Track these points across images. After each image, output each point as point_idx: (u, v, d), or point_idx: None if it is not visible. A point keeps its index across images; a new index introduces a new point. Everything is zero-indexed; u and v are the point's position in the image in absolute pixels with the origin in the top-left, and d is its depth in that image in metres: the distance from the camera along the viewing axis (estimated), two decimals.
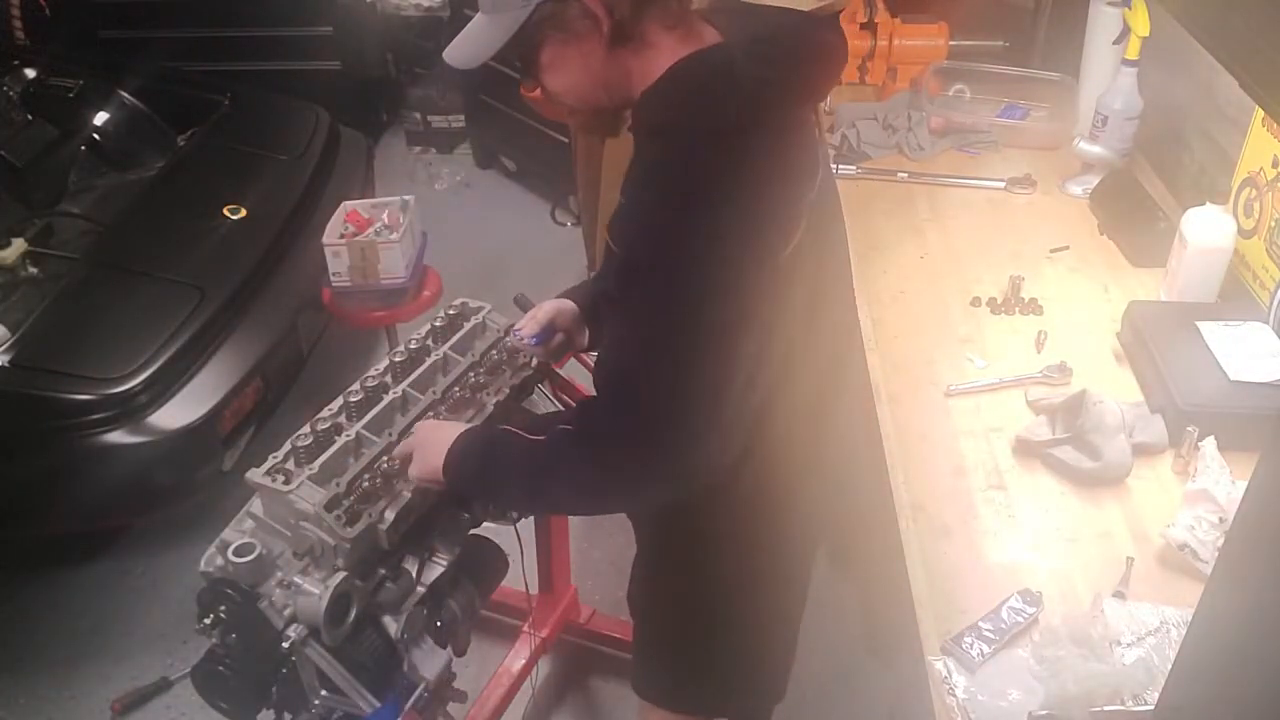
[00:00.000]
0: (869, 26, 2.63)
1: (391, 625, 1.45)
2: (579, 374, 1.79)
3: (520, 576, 1.91)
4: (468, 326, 1.64)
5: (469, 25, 1.26)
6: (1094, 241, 2.09)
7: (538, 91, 1.31)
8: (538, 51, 1.22)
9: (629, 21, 1.18)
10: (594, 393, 1.31)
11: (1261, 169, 1.82)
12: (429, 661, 1.51)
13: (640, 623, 1.66)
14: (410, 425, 1.46)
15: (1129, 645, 1.28)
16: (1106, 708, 1.19)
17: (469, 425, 1.41)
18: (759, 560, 1.48)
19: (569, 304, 1.55)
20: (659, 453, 1.19)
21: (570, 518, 2.22)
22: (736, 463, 1.30)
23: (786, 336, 1.28)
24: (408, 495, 1.40)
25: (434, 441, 1.35)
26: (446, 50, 1.29)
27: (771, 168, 1.21)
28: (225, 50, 3.99)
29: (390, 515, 1.38)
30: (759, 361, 1.23)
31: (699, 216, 1.14)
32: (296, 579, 1.34)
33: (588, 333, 1.57)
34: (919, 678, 1.30)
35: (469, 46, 1.26)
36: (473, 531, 1.60)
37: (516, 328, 1.53)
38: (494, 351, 1.62)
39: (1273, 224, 1.79)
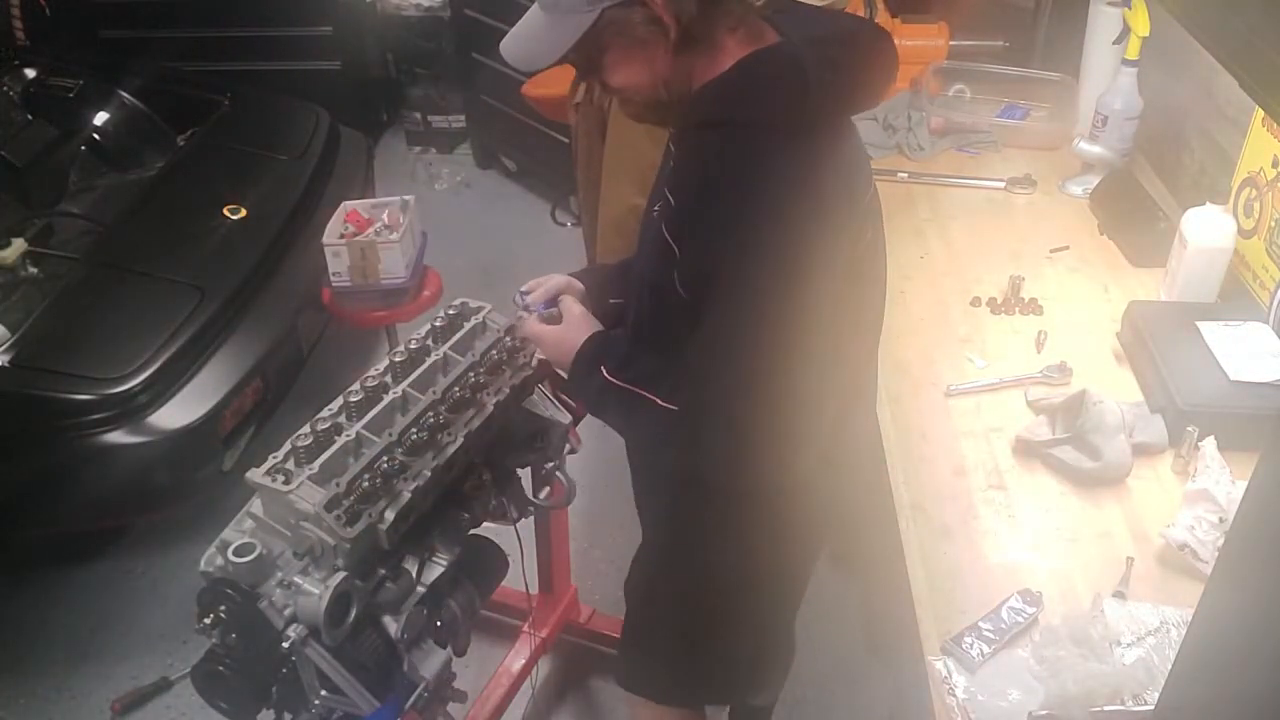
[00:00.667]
0: None
1: (391, 625, 1.45)
2: None
3: (520, 576, 1.91)
4: (468, 326, 1.64)
5: (527, 21, 1.23)
6: (1094, 241, 2.09)
7: (592, 88, 1.32)
8: (602, 55, 1.22)
9: (696, 25, 1.18)
10: None
11: (1261, 169, 1.82)
12: (429, 661, 1.51)
13: (636, 615, 1.67)
14: (410, 425, 1.46)
15: (1129, 645, 1.28)
16: (1106, 708, 1.19)
17: (588, 339, 1.41)
18: (765, 560, 1.49)
19: (577, 283, 1.55)
20: (727, 448, 1.23)
21: (570, 518, 2.22)
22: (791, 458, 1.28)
23: (860, 339, 1.32)
24: (408, 495, 1.40)
25: (560, 353, 1.43)
26: (505, 46, 1.26)
27: (837, 167, 1.23)
28: (225, 50, 3.99)
29: (390, 515, 1.38)
30: (835, 362, 1.26)
31: (773, 214, 1.16)
32: (296, 579, 1.34)
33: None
34: (919, 678, 1.30)
35: (532, 45, 1.23)
36: (473, 531, 1.60)
37: (524, 289, 1.54)
38: (494, 351, 1.61)
39: (1273, 224, 1.79)
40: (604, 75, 1.25)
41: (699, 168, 1.24)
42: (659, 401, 1.28)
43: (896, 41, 2.59)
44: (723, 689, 1.75)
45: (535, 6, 1.21)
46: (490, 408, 1.54)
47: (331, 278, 2.45)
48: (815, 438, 1.28)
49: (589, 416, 1.76)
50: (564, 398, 1.74)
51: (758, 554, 1.48)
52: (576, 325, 1.43)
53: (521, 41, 1.24)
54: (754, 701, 1.90)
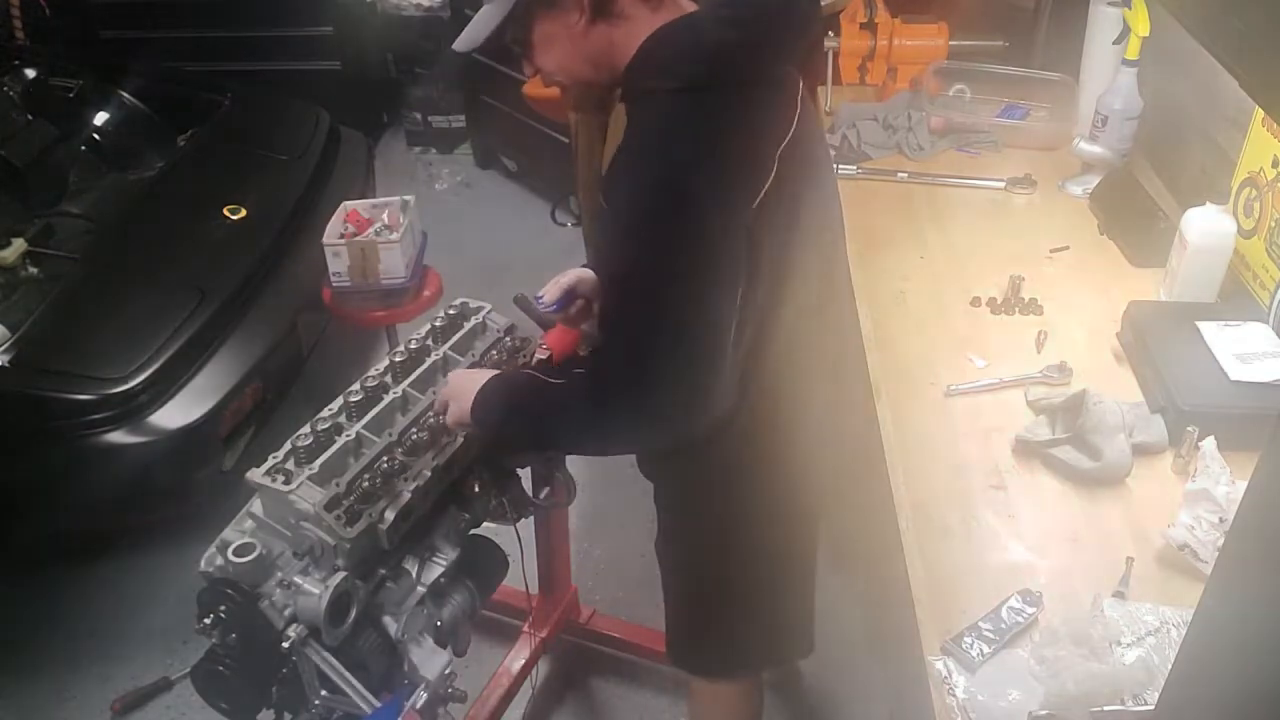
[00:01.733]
0: (869, 26, 2.63)
1: (391, 625, 1.45)
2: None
3: (520, 576, 1.91)
4: (468, 326, 1.64)
5: (476, 15, 1.36)
6: (1094, 241, 2.09)
7: (532, 73, 1.40)
8: (530, 31, 1.33)
9: (605, 2, 1.28)
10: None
11: (1261, 169, 1.82)
12: (429, 661, 1.51)
13: (669, 594, 1.73)
14: (410, 425, 1.46)
15: (1129, 645, 1.28)
16: (1106, 708, 1.19)
17: (495, 372, 1.48)
18: (764, 496, 1.53)
19: (590, 273, 1.61)
20: (652, 398, 1.27)
21: (570, 518, 2.22)
22: (733, 403, 1.37)
23: (770, 276, 1.35)
24: (408, 495, 1.40)
25: (463, 391, 1.44)
26: (456, 41, 1.39)
27: (736, 121, 1.29)
28: (225, 50, 3.99)
29: (390, 515, 1.38)
30: (745, 303, 1.31)
31: (667, 169, 1.25)
32: (296, 579, 1.34)
33: None
34: (919, 677, 1.30)
35: (470, 30, 1.36)
36: (473, 531, 1.60)
37: (539, 295, 1.58)
38: (494, 351, 1.62)
39: (1273, 224, 1.79)
40: (534, 55, 1.36)
41: (625, 139, 1.34)
42: (565, 380, 1.36)
43: (897, 41, 2.58)
44: (761, 656, 1.80)
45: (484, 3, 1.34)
46: None
47: (332, 278, 2.46)
48: (761, 370, 1.37)
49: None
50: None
51: (751, 507, 1.53)
52: (465, 377, 1.47)
53: (466, 29, 1.37)
54: (790, 662, 1.95)
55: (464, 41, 1.37)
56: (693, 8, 1.33)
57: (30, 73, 3.18)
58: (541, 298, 1.56)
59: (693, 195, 1.24)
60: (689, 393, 1.28)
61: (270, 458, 1.40)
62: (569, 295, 1.57)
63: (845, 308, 1.64)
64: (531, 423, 1.42)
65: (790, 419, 1.48)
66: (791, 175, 1.34)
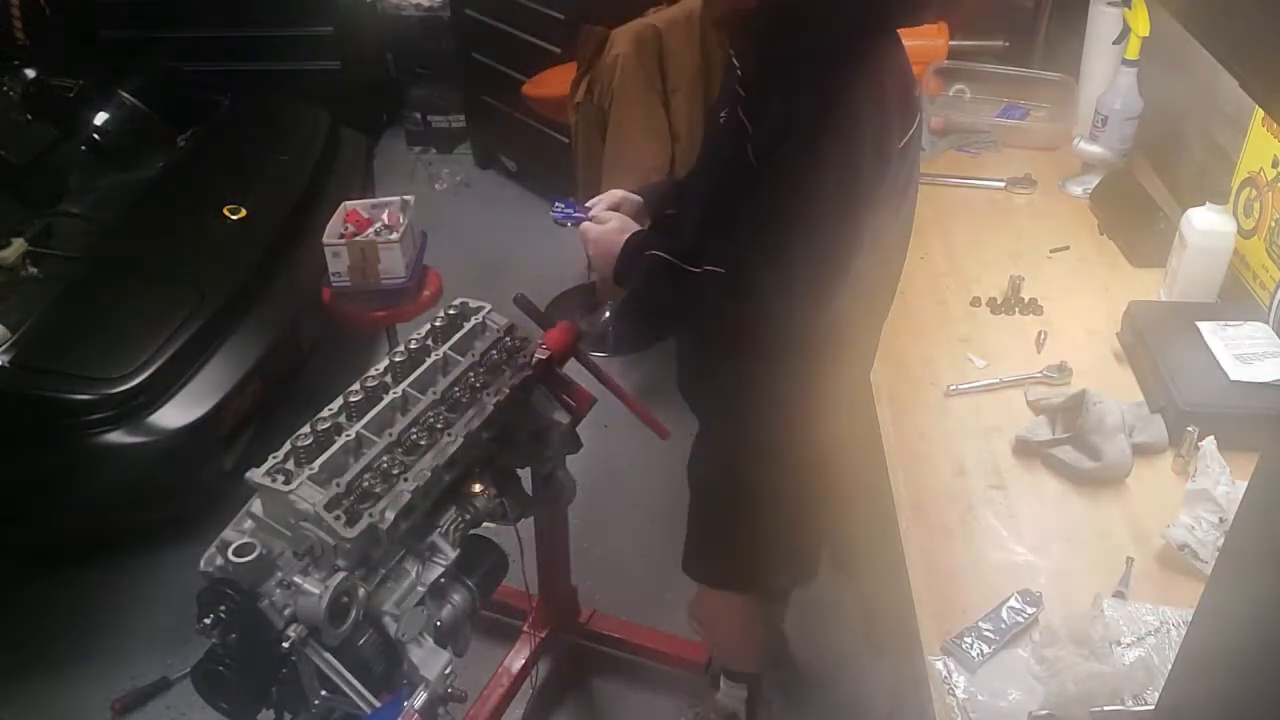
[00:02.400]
0: None
1: (391, 625, 1.45)
2: (579, 374, 1.79)
3: (520, 576, 1.91)
4: (468, 326, 1.64)
5: None
6: (1094, 241, 2.09)
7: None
8: None
9: None
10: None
11: (1261, 169, 1.82)
12: (429, 661, 1.51)
13: (694, 502, 1.83)
14: (410, 425, 1.46)
15: (1129, 645, 1.28)
16: (1106, 708, 1.19)
17: (636, 229, 1.59)
18: (805, 420, 1.60)
19: (635, 197, 1.71)
20: (782, 301, 1.39)
21: (570, 518, 2.22)
22: (816, 329, 1.46)
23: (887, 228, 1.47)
24: (408, 495, 1.40)
25: (609, 245, 1.57)
26: None
27: (894, 71, 1.38)
28: (225, 50, 3.99)
29: (390, 515, 1.38)
30: (866, 243, 1.41)
31: (840, 109, 1.32)
32: (297, 579, 1.34)
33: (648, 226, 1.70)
34: (919, 678, 1.30)
35: None
36: (473, 531, 1.60)
37: (587, 205, 1.67)
38: (494, 351, 1.62)
39: (1273, 224, 1.79)
40: None
41: (773, 59, 1.39)
42: (705, 269, 1.42)
43: None
44: (770, 570, 1.86)
45: None
46: (490, 408, 1.54)
47: (331, 278, 2.45)
48: (840, 296, 1.43)
49: (587, 418, 1.77)
50: (564, 397, 1.74)
51: (795, 418, 1.59)
52: (620, 224, 1.60)
53: None
54: (793, 584, 2.00)
55: None
56: None
57: (30, 72, 3.18)
58: (590, 208, 1.65)
59: (858, 123, 1.32)
60: (812, 300, 1.39)
61: (270, 458, 1.39)
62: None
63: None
64: (666, 301, 1.54)
65: (844, 366, 1.60)
66: (913, 182, 1.48)
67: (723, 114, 1.49)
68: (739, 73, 1.45)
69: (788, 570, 1.88)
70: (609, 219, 1.61)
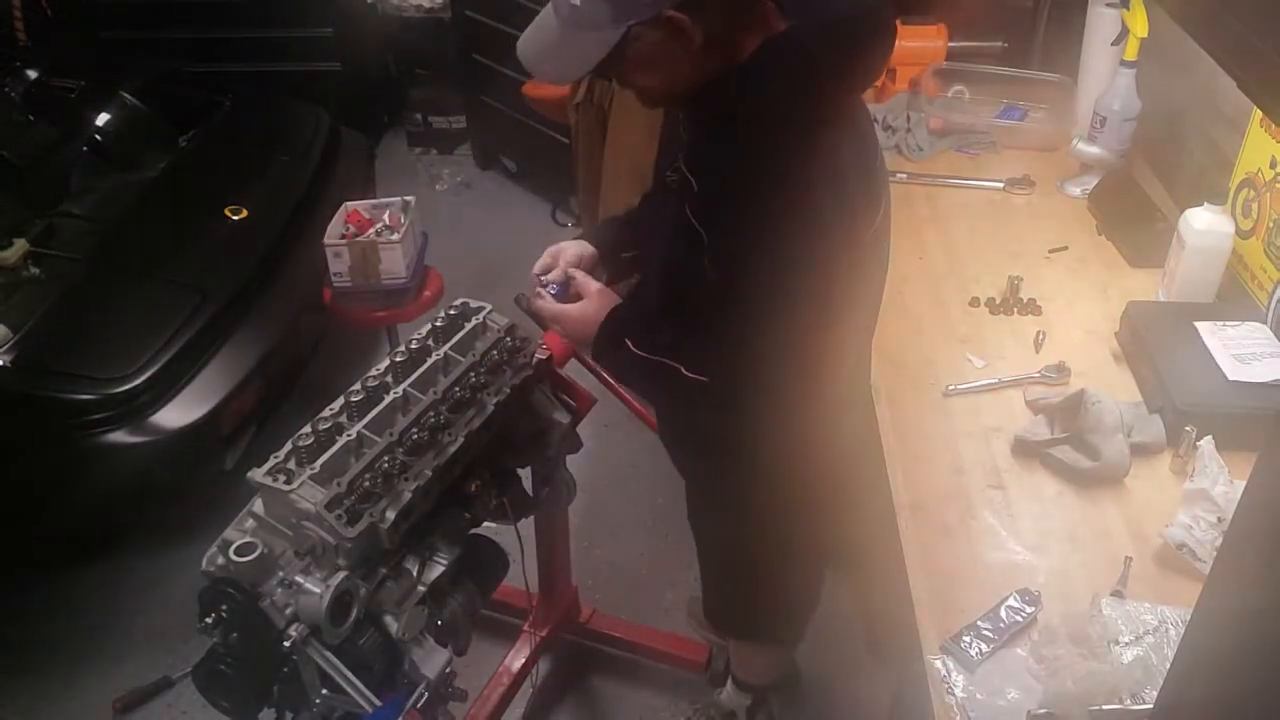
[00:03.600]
0: None
1: (392, 624, 1.45)
2: (579, 374, 1.79)
3: (520, 576, 1.91)
4: (468, 327, 1.64)
5: (547, 35, 1.27)
6: (1092, 242, 2.10)
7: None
8: (624, 63, 1.26)
9: (720, 33, 1.23)
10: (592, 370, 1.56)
11: (1260, 170, 1.82)
12: (430, 660, 1.52)
13: (700, 553, 1.89)
14: (411, 425, 1.47)
15: (1127, 644, 1.28)
16: (1105, 706, 1.20)
17: (609, 315, 1.50)
18: (793, 502, 1.60)
19: (588, 248, 1.63)
20: (757, 412, 1.38)
21: (570, 518, 2.22)
22: (799, 396, 1.41)
23: (868, 308, 1.48)
24: (409, 495, 1.40)
25: (581, 338, 1.54)
26: (530, 60, 1.30)
27: (853, 146, 1.31)
28: (226, 51, 3.99)
29: (391, 515, 1.38)
30: (841, 326, 1.40)
31: (799, 200, 1.24)
32: (298, 578, 1.34)
33: (605, 274, 1.65)
34: (918, 677, 1.31)
35: (560, 62, 1.28)
36: (473, 531, 1.60)
37: (537, 271, 1.60)
38: (495, 352, 1.62)
39: (1271, 224, 1.79)
40: (625, 78, 1.32)
41: (723, 158, 1.30)
42: (684, 372, 1.37)
43: (896, 43, 2.63)
44: (790, 621, 1.92)
45: (555, 20, 1.25)
46: (491, 408, 1.55)
47: (332, 278, 2.46)
48: (833, 396, 1.43)
49: (587, 418, 1.78)
50: (564, 397, 1.75)
51: (785, 496, 1.59)
52: (595, 301, 1.53)
53: (548, 57, 1.29)
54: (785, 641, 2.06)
55: (552, 75, 1.33)
56: (782, 23, 1.28)
57: (32, 73, 3.18)
58: (547, 282, 1.58)
59: (827, 228, 1.26)
60: (781, 381, 1.34)
61: (272, 457, 1.40)
62: (566, 281, 1.60)
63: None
64: (648, 388, 1.60)
65: (836, 426, 1.55)
66: (885, 199, 1.40)
67: (670, 178, 1.40)
68: (686, 139, 1.37)
69: (805, 609, 1.92)
70: (588, 286, 1.54)
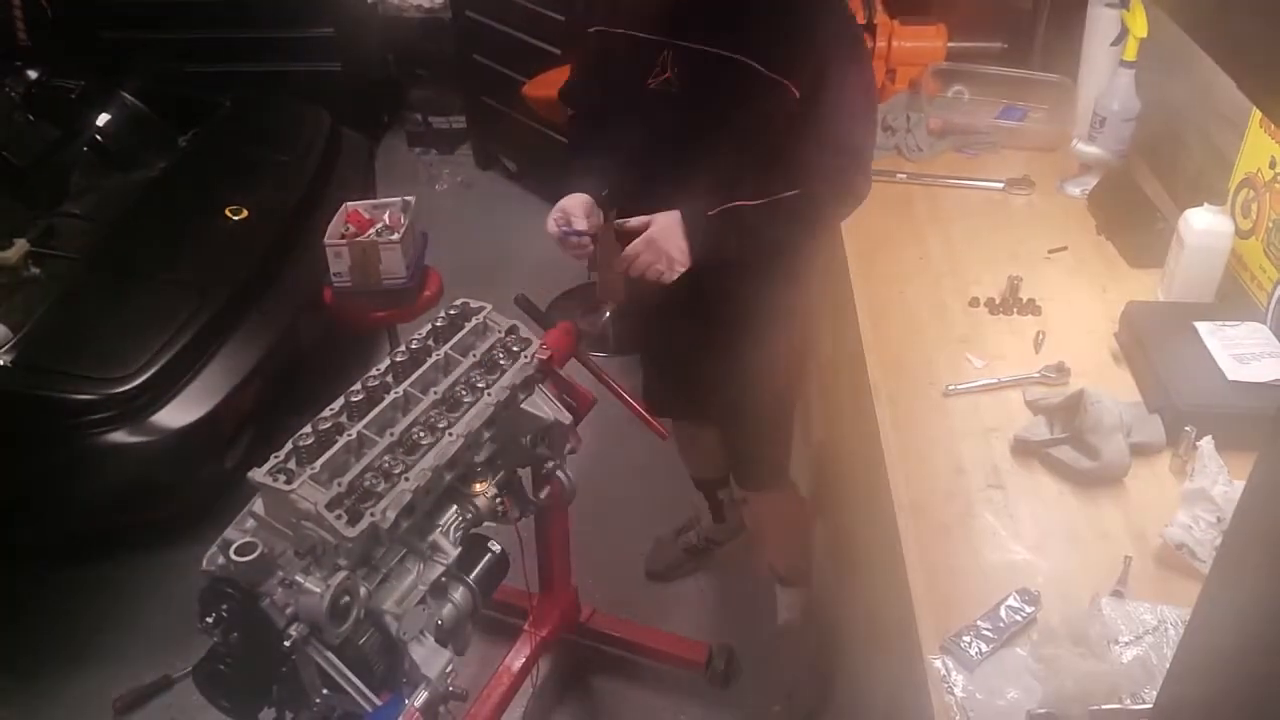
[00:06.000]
0: (868, 27, 2.63)
1: (392, 624, 1.45)
2: (579, 374, 1.80)
3: (520, 576, 1.91)
4: (469, 327, 1.64)
5: None
6: (1092, 242, 2.10)
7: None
8: None
9: None
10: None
11: (1259, 170, 1.82)
12: (430, 660, 1.52)
13: (733, 424, 2.09)
14: (411, 425, 1.47)
15: (1127, 644, 1.28)
16: (1105, 706, 1.20)
17: (688, 211, 1.69)
18: (809, 337, 1.97)
19: (585, 197, 1.84)
20: (860, 193, 1.77)
21: (570, 518, 2.22)
22: None
23: None
24: (409, 495, 1.40)
25: (673, 246, 1.68)
26: None
27: None
28: (227, 51, 4.00)
29: (391, 514, 1.38)
30: None
31: (859, 31, 1.79)
32: (298, 578, 1.34)
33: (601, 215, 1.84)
34: (917, 676, 1.31)
35: None
36: (473, 531, 1.60)
37: (565, 228, 1.80)
38: (495, 351, 1.62)
39: (1270, 225, 1.79)
40: None
41: (789, 29, 1.63)
42: (791, 195, 1.66)
43: (895, 43, 2.71)
44: (787, 469, 2.18)
45: None
46: (491, 408, 1.55)
47: (333, 278, 2.46)
48: None
49: (587, 418, 1.78)
50: (564, 397, 1.75)
51: (807, 331, 1.93)
52: (665, 215, 1.69)
53: None
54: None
55: None
56: None
57: (32, 73, 3.19)
58: (583, 237, 1.77)
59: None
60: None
61: (272, 457, 1.40)
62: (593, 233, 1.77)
63: None
64: (760, 239, 1.72)
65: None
66: None
67: (652, 80, 1.68)
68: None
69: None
70: (642, 223, 1.70)
